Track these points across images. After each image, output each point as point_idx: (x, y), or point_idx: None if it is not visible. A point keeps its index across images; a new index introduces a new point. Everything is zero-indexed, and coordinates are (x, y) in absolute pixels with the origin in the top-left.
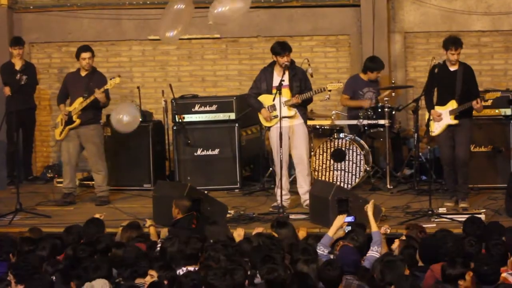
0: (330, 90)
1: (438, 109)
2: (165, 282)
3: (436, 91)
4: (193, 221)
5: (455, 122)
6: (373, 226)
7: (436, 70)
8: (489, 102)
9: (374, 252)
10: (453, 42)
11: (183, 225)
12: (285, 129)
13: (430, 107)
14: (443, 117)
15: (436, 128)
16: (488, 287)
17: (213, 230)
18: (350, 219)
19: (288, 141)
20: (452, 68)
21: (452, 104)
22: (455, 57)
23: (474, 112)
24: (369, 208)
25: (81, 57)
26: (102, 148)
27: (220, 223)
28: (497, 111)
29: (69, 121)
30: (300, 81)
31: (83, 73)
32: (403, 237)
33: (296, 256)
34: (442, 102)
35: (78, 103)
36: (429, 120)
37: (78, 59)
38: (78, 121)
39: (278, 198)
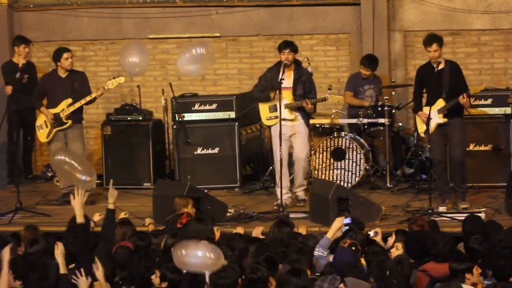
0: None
1: (426, 110)
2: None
3: (426, 92)
4: (178, 220)
5: (443, 120)
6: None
7: (420, 72)
8: (489, 101)
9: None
10: (427, 40)
11: (170, 224)
12: (287, 128)
13: (417, 109)
14: (432, 117)
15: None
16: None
17: (195, 228)
18: (347, 221)
19: (290, 140)
20: (438, 67)
21: (440, 103)
22: (431, 54)
23: (472, 111)
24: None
25: (63, 58)
26: (85, 147)
27: (206, 222)
28: (497, 109)
29: (57, 123)
30: (304, 85)
31: (63, 74)
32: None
33: (291, 255)
34: (431, 102)
35: (66, 105)
36: (429, 119)
37: (58, 60)
38: (70, 122)
39: (279, 196)
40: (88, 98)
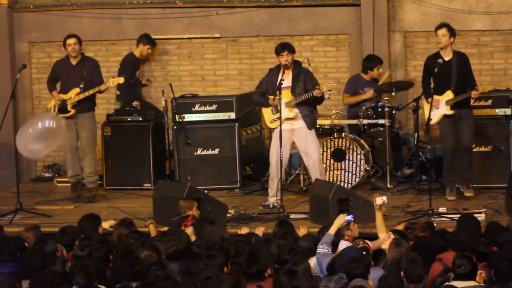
0: (330, 91)
1: (436, 98)
2: None
3: (432, 81)
4: (182, 223)
5: (451, 112)
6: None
7: (429, 61)
8: (489, 102)
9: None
10: (436, 27)
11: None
12: (287, 132)
13: (428, 95)
14: (440, 106)
15: (432, 117)
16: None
17: (209, 230)
18: (349, 218)
19: (288, 143)
20: (446, 58)
21: (448, 95)
22: (438, 38)
23: (474, 111)
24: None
25: (67, 44)
26: (96, 137)
27: (218, 223)
28: (497, 110)
29: (63, 109)
30: (304, 82)
31: (73, 61)
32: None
33: (283, 256)
34: (439, 92)
35: (75, 93)
36: (429, 119)
37: (65, 47)
38: (73, 111)
39: (271, 198)
40: (91, 91)
